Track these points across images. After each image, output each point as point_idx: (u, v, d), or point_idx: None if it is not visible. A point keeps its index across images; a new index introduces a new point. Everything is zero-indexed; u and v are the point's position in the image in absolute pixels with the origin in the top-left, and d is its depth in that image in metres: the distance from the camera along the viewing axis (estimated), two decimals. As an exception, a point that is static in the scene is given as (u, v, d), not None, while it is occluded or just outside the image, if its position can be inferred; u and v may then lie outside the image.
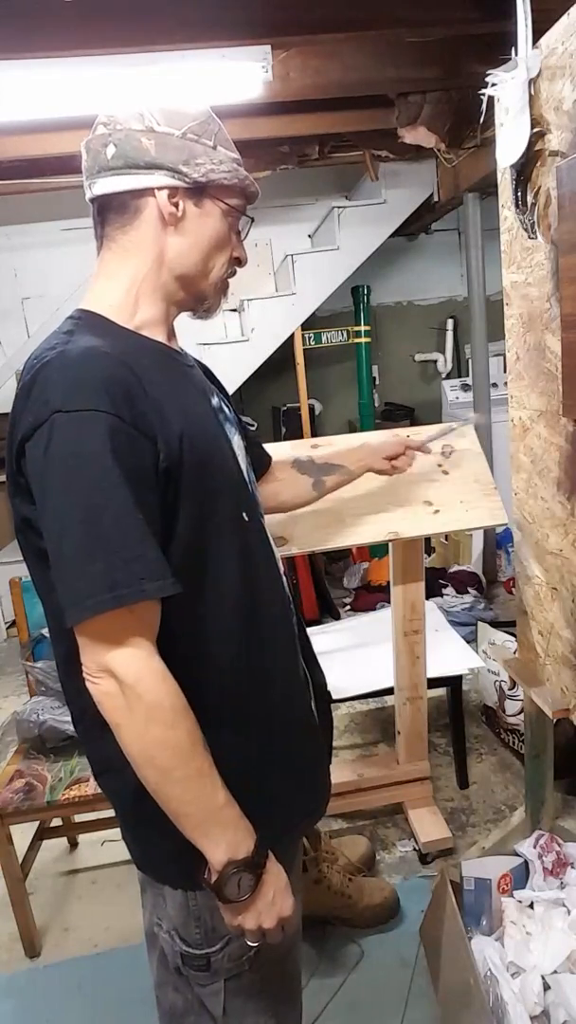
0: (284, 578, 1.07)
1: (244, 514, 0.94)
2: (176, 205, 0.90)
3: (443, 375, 4.90)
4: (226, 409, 1.03)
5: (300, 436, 4.03)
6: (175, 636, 0.83)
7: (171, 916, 0.94)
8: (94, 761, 0.96)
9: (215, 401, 1.00)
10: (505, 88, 1.21)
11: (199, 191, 0.91)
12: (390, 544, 1.79)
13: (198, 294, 0.97)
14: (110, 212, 0.92)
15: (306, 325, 3.96)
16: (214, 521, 0.88)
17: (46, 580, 0.84)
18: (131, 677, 0.77)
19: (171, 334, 0.97)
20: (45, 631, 1.72)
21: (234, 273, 1.00)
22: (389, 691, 2.06)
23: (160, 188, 0.89)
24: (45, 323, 4.00)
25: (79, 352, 0.81)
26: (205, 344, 3.74)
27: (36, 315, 4.35)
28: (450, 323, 4.88)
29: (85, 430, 0.76)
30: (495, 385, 3.78)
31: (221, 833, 0.82)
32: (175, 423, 0.83)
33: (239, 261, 1.00)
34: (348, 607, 3.81)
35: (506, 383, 1.50)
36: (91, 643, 0.78)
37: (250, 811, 0.85)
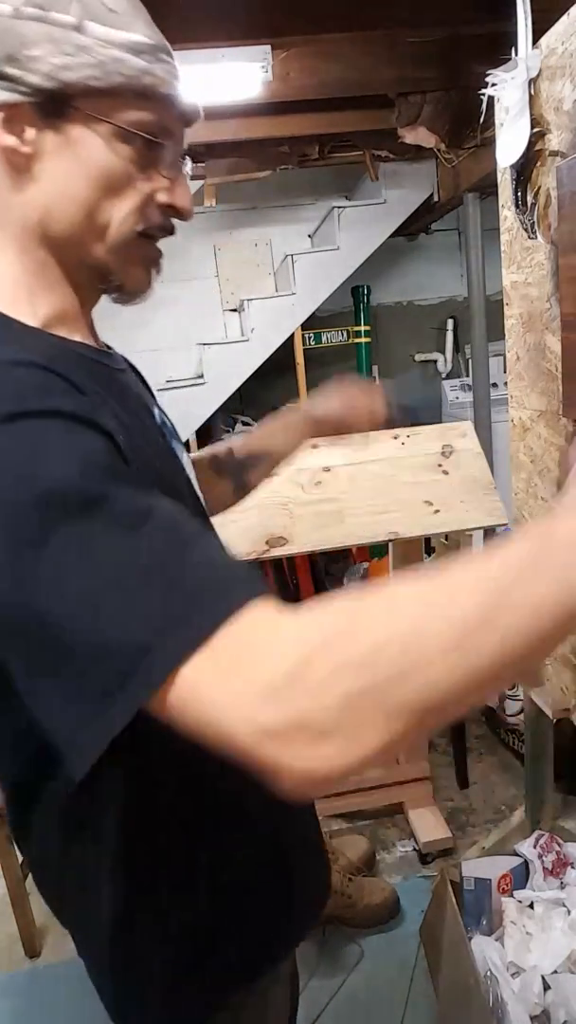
0: None
1: None
2: (19, 135, 0.56)
3: (443, 375, 4.90)
4: (168, 422, 0.76)
5: (300, 436, 4.02)
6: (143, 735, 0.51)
7: None
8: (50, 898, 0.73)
9: (157, 414, 0.73)
10: (505, 88, 1.21)
11: (55, 105, 0.56)
12: (390, 544, 1.79)
13: (94, 264, 0.63)
14: None
15: (306, 325, 3.96)
16: None
17: None
18: (317, 640, 0.44)
19: (91, 329, 0.68)
20: None
21: (164, 229, 0.66)
22: (389, 691, 2.06)
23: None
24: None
25: None
26: (205, 344, 3.75)
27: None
28: (450, 323, 4.88)
29: (41, 440, 0.48)
30: (495, 385, 3.78)
31: (553, 569, 0.44)
32: (125, 452, 0.56)
33: (172, 208, 0.64)
34: (348, 607, 3.80)
35: (506, 383, 1.50)
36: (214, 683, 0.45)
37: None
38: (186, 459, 0.76)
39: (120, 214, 0.62)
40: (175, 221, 0.66)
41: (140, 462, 0.56)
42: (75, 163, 0.58)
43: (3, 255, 0.60)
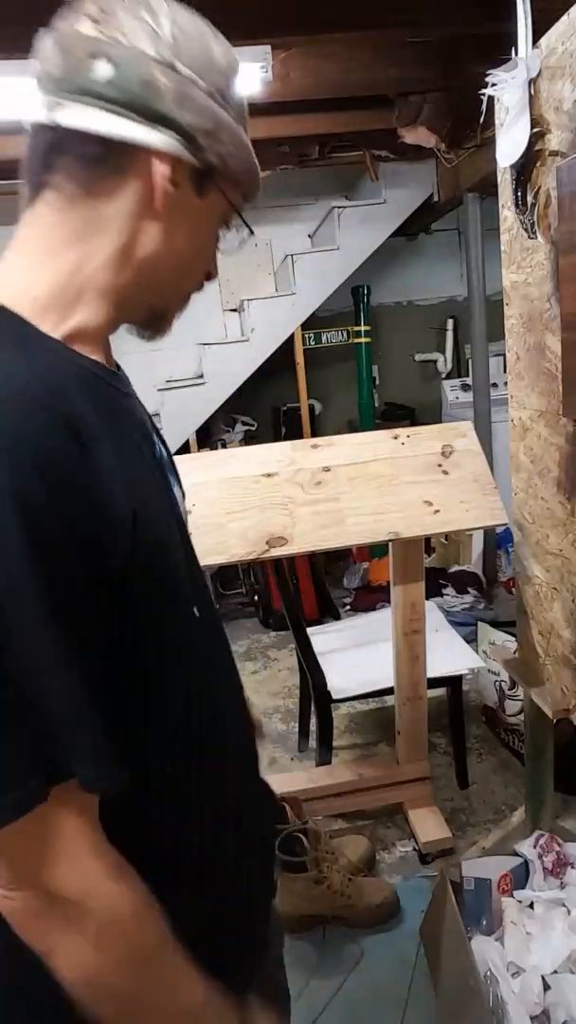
0: (241, 690, 0.83)
1: (195, 609, 0.68)
2: (175, 184, 0.62)
3: (443, 375, 4.90)
4: (165, 453, 0.75)
5: (300, 436, 4.03)
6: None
7: None
8: None
9: (157, 445, 0.72)
10: (505, 88, 1.21)
11: (207, 176, 0.64)
12: (390, 544, 1.79)
13: (159, 310, 0.70)
14: (71, 157, 0.60)
15: (306, 325, 3.96)
16: (163, 635, 0.63)
17: None
18: (74, 890, 0.54)
19: (108, 350, 0.68)
20: None
21: (200, 289, 0.74)
22: (389, 691, 2.06)
23: (161, 155, 0.61)
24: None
25: None
26: (205, 344, 3.74)
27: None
28: (450, 323, 4.88)
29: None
30: (495, 385, 3.78)
31: None
32: (123, 501, 0.56)
33: (209, 276, 0.73)
34: (348, 607, 3.81)
35: (506, 383, 1.50)
36: (12, 849, 0.53)
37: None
38: (179, 494, 0.76)
39: (199, 276, 0.71)
40: None
41: (144, 518, 0.58)
42: (197, 224, 0.67)
43: (85, 256, 0.62)
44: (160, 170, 0.61)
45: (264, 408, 4.62)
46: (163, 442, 0.76)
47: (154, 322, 0.71)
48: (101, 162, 0.60)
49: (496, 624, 2.77)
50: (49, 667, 0.51)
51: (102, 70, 0.58)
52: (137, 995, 0.58)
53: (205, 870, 0.70)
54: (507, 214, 1.35)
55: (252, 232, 0.72)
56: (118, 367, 0.72)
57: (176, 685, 0.64)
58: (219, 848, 0.71)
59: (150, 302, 0.68)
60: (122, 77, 0.58)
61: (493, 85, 1.23)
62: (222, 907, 0.71)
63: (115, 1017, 0.57)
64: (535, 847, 1.59)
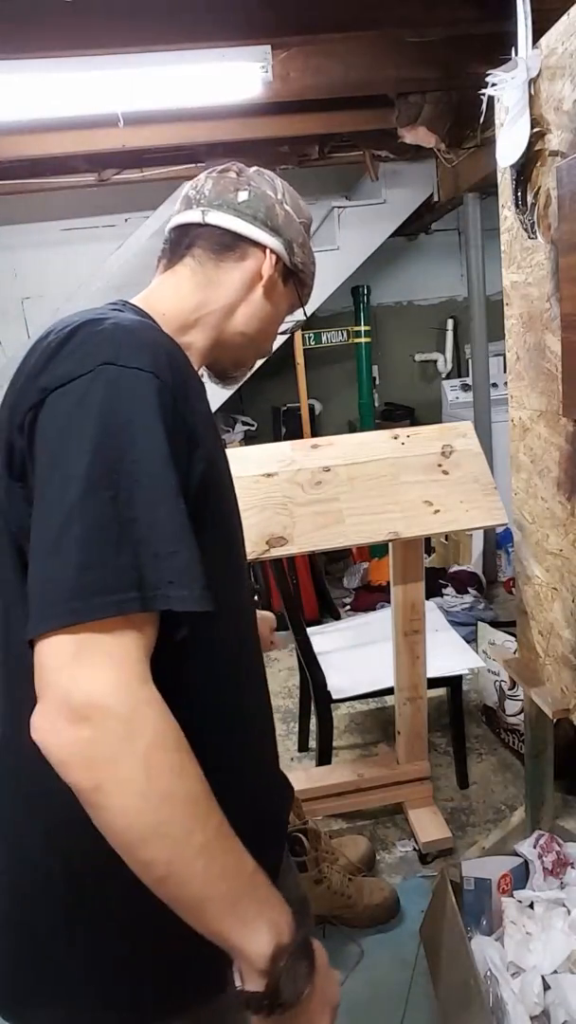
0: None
1: (240, 564, 0.88)
2: (270, 274, 0.92)
3: (443, 375, 4.90)
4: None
5: (300, 436, 4.03)
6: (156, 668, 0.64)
7: None
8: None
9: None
10: (505, 88, 1.21)
11: (290, 274, 0.95)
12: (390, 544, 1.79)
13: (238, 360, 0.98)
14: (208, 241, 0.91)
15: (306, 325, 3.96)
16: (221, 568, 0.75)
17: (18, 596, 0.67)
18: (125, 708, 0.57)
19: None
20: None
21: (265, 356, 1.04)
22: (389, 691, 2.06)
23: (271, 252, 0.92)
24: (45, 323, 4.01)
25: (135, 321, 0.74)
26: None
27: (36, 315, 4.35)
28: (450, 323, 4.88)
29: (140, 389, 0.66)
30: (495, 385, 3.78)
31: (259, 911, 0.60)
32: (205, 429, 0.75)
33: (268, 350, 1.03)
34: (348, 607, 3.81)
35: (506, 383, 1.50)
36: (68, 662, 0.57)
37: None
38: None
39: (269, 344, 1.01)
40: None
41: (218, 468, 0.79)
42: (277, 304, 0.96)
43: (207, 301, 0.90)
44: (270, 260, 0.92)
45: (264, 408, 4.62)
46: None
47: (232, 372, 0.99)
48: (230, 248, 0.91)
49: (496, 624, 2.77)
50: (161, 496, 0.63)
51: (242, 195, 0.91)
52: (188, 841, 0.57)
53: (232, 761, 0.76)
54: (507, 214, 1.35)
55: (307, 316, 1.05)
56: None
57: (224, 613, 0.70)
58: (247, 743, 0.82)
59: (235, 356, 0.96)
60: (254, 202, 0.91)
61: (493, 85, 1.23)
62: (249, 800, 0.74)
63: (166, 869, 0.57)
64: (535, 847, 1.59)
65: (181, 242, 0.92)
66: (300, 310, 1.03)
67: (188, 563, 0.62)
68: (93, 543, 0.59)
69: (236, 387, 1.04)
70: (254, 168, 0.96)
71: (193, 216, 0.91)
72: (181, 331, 0.87)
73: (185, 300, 0.90)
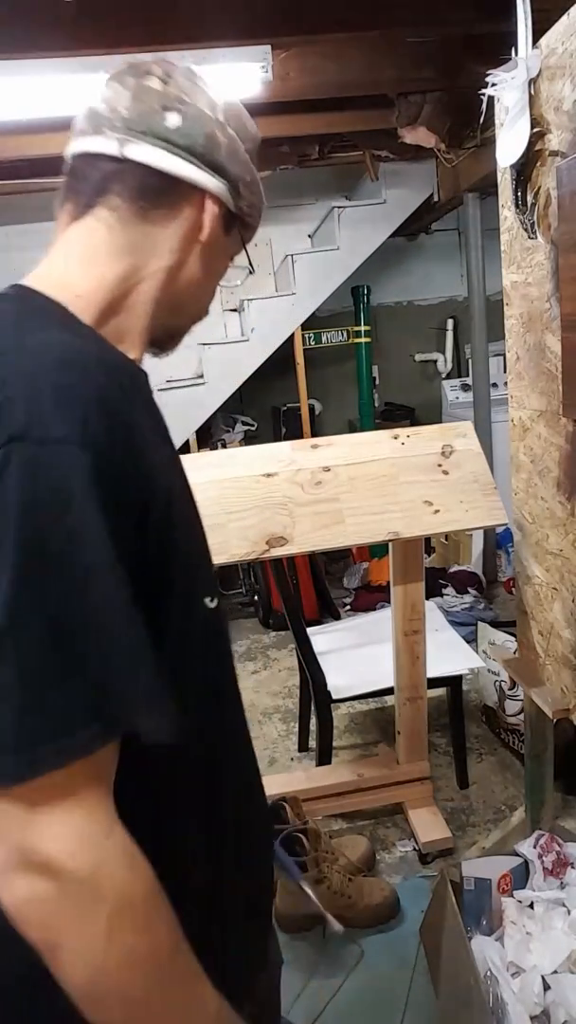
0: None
1: (208, 599, 0.68)
2: (216, 222, 0.73)
3: (443, 375, 4.90)
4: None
5: (300, 436, 4.03)
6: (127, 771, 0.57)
7: None
8: None
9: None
10: (505, 88, 1.21)
11: (232, 220, 0.75)
12: (390, 544, 1.79)
13: (175, 329, 0.78)
14: (129, 186, 0.68)
15: (306, 325, 3.96)
16: (190, 621, 0.64)
17: None
18: (87, 868, 0.50)
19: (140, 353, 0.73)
20: None
21: (204, 316, 0.82)
22: (389, 691, 2.06)
23: (215, 197, 0.71)
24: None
25: (41, 345, 0.57)
26: (205, 344, 3.74)
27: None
28: (450, 323, 4.88)
29: (66, 471, 0.51)
30: (495, 385, 3.78)
31: None
32: (161, 474, 0.60)
33: (206, 311, 0.82)
34: (348, 607, 3.81)
35: (506, 383, 1.50)
36: (22, 813, 0.50)
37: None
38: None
39: (209, 303, 0.80)
40: None
41: (177, 498, 0.63)
42: (219, 259, 0.77)
43: (137, 269, 0.69)
44: (212, 209, 0.71)
45: (264, 408, 4.62)
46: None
47: (167, 340, 0.78)
48: (159, 194, 0.69)
49: (496, 624, 2.77)
50: (110, 608, 0.52)
51: (172, 120, 0.67)
52: (147, 1000, 0.53)
53: (211, 865, 0.67)
54: (507, 214, 1.35)
55: (253, 271, 0.86)
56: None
57: (193, 676, 0.64)
58: (225, 843, 0.70)
59: (170, 321, 0.75)
60: (190, 128, 0.68)
61: (493, 85, 1.23)
62: (224, 916, 0.69)
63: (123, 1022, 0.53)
64: (535, 847, 1.59)
65: (89, 179, 0.69)
66: (246, 261, 0.83)
67: (147, 687, 0.53)
68: (34, 680, 0.49)
69: (172, 352, 0.81)
70: (184, 67, 0.71)
71: (106, 146, 0.67)
72: (106, 317, 0.67)
73: (106, 273, 0.67)
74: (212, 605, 0.68)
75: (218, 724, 0.71)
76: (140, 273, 0.70)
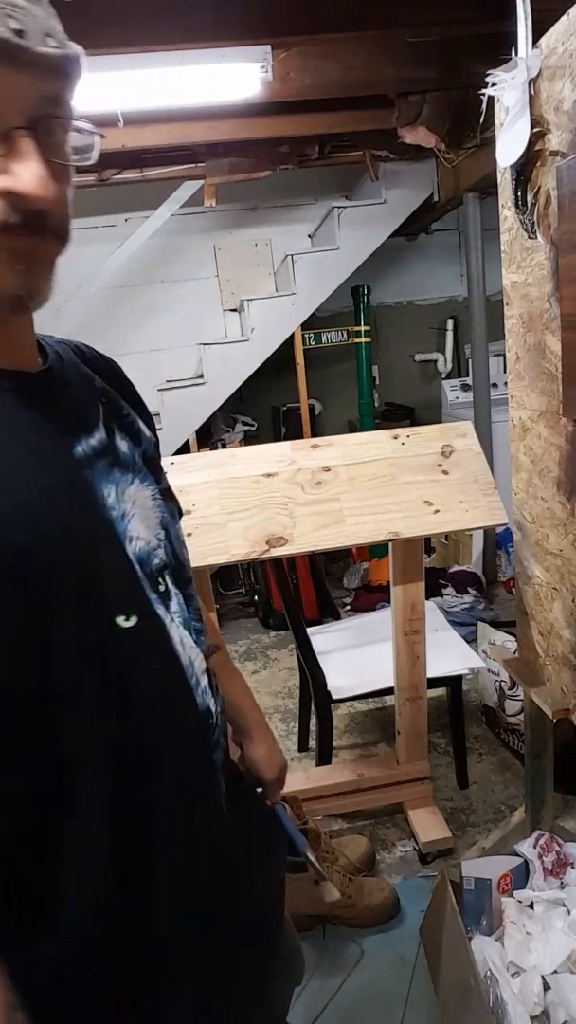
0: (211, 700, 0.70)
1: (120, 618, 0.59)
2: None
3: (443, 375, 4.90)
4: (123, 447, 0.68)
5: (300, 436, 4.03)
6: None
7: None
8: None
9: (94, 441, 0.64)
10: (505, 88, 1.21)
11: None
12: (390, 544, 1.79)
13: None
14: None
15: (306, 325, 3.96)
16: (49, 652, 0.54)
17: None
18: None
19: (9, 340, 0.59)
20: None
21: (7, 222, 0.53)
22: (389, 691, 2.06)
23: None
24: (45, 324, 4.00)
25: None
26: (205, 344, 3.75)
27: (36, 315, 4.35)
28: (450, 323, 4.88)
29: None
30: (495, 385, 3.79)
31: None
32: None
33: (11, 195, 0.52)
34: (348, 607, 3.81)
35: (506, 383, 1.50)
36: None
37: None
38: (133, 490, 0.66)
39: None
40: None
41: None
42: None
43: None
44: None
45: (264, 408, 4.62)
46: (134, 437, 0.70)
47: None
48: None
49: (496, 624, 2.77)
50: None
51: None
52: None
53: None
54: (507, 214, 1.35)
55: (71, 118, 0.58)
56: (44, 364, 0.65)
57: (76, 722, 0.55)
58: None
59: None
60: None
61: (493, 85, 1.23)
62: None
63: None
64: (535, 847, 1.59)
65: None
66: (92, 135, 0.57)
67: None
68: None
69: (20, 291, 0.60)
70: None
71: None
72: None
73: None
74: (123, 624, 0.58)
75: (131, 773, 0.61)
76: None
